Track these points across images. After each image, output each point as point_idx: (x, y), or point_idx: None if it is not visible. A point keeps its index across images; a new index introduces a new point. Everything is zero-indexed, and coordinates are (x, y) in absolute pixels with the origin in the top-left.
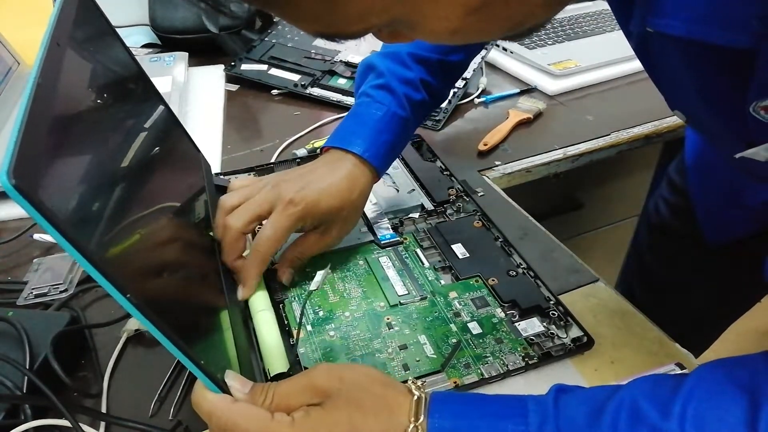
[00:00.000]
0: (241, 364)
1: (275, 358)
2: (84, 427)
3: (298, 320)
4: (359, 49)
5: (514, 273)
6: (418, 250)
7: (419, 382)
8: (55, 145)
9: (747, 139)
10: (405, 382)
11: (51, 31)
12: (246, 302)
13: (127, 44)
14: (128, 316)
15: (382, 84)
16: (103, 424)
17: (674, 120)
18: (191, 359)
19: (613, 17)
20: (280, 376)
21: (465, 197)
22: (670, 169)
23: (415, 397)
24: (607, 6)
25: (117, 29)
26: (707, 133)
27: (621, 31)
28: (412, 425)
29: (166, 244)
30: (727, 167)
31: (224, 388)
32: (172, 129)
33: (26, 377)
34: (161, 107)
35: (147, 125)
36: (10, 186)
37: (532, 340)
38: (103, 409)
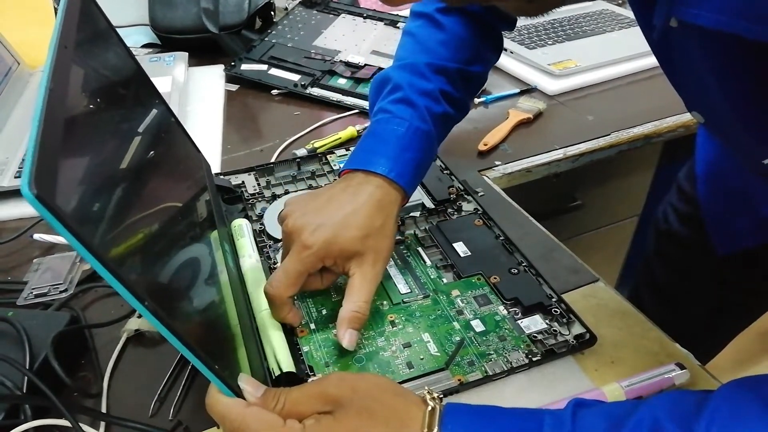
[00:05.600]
0: (252, 367)
1: (279, 358)
2: (84, 427)
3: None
4: (359, 49)
5: (516, 271)
6: (420, 249)
7: (435, 393)
8: (70, 152)
9: None
10: (410, 380)
11: (58, 35)
12: (250, 302)
13: (127, 44)
14: (128, 316)
15: (400, 98)
16: (103, 424)
17: (674, 120)
18: (206, 364)
19: (613, 17)
20: (284, 376)
21: (465, 196)
22: (680, 176)
23: (429, 408)
24: (607, 6)
25: (117, 29)
26: (725, 136)
27: (621, 31)
28: None
29: (175, 247)
30: (740, 176)
31: (237, 392)
32: (174, 130)
33: (26, 377)
34: (163, 108)
35: (150, 127)
36: (32, 197)
37: (535, 337)
38: (103, 409)
